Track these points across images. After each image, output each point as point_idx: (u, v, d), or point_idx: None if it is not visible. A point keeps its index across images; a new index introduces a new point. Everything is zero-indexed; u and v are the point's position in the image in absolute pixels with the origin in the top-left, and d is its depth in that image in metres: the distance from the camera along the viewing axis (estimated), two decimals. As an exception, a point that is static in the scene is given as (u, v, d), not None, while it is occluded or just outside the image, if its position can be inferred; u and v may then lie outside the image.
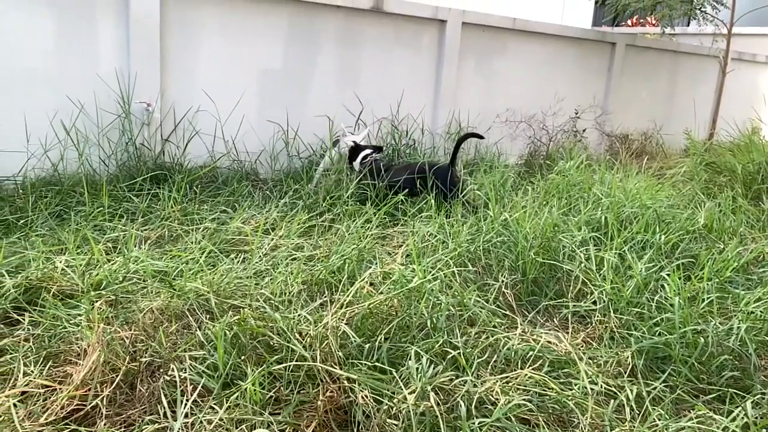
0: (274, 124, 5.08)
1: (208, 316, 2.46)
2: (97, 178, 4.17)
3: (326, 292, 2.80)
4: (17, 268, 2.75)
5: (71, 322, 2.27)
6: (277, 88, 5.10)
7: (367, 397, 2.01)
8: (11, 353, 2.15)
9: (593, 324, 2.87)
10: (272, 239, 3.35)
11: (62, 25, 4.14)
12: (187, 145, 4.62)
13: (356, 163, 4.56)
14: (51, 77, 4.15)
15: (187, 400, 1.97)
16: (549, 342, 2.56)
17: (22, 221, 3.38)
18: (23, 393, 1.92)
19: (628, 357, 2.50)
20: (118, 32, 4.33)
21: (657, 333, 2.61)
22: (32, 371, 2.00)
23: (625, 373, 2.44)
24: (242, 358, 2.16)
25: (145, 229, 3.45)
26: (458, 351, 2.29)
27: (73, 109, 4.22)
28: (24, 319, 2.34)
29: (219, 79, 4.80)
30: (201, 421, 1.89)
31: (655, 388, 2.30)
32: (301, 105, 5.23)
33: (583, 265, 3.20)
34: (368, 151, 4.57)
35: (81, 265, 2.72)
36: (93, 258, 2.79)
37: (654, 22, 12.57)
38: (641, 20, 14.00)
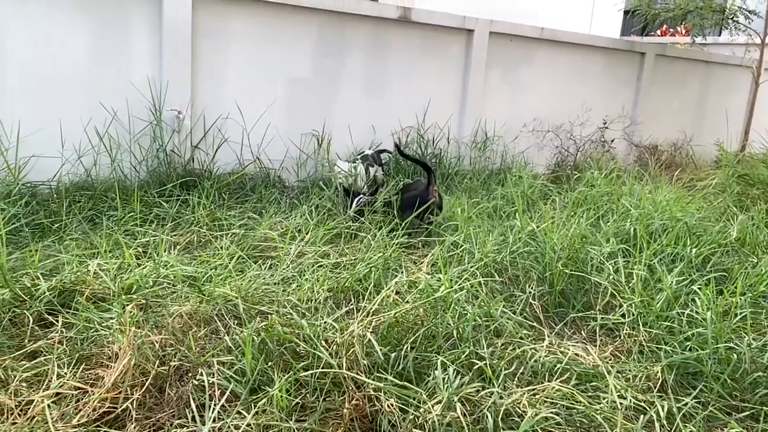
0: (301, 131, 5.13)
1: (236, 322, 2.49)
2: (128, 183, 4.25)
3: (352, 299, 2.81)
4: (51, 271, 2.81)
5: (103, 325, 2.31)
6: (305, 97, 5.15)
7: (392, 406, 2.00)
8: (45, 355, 2.19)
9: (622, 337, 2.83)
10: (298, 246, 3.37)
11: (97, 34, 4.24)
12: (216, 152, 4.69)
13: (350, 211, 4.25)
14: (86, 85, 4.25)
15: (215, 405, 1.99)
16: (576, 354, 2.53)
17: (56, 225, 3.46)
18: (57, 394, 1.96)
19: (658, 372, 2.46)
20: (152, 41, 4.42)
21: (688, 348, 2.56)
22: (65, 373, 2.04)
23: (655, 388, 2.40)
24: (269, 364, 2.17)
25: (175, 235, 3.50)
26: (485, 362, 2.28)
27: (107, 116, 4.31)
28: (58, 322, 2.38)
29: (248, 88, 4.86)
30: (229, 426, 1.91)
31: (686, 405, 2.26)
32: (329, 113, 5.27)
33: (611, 277, 3.16)
34: (360, 196, 4.34)
35: (113, 269, 2.77)
36: (124, 262, 2.84)
37: (684, 31, 12.40)
38: (671, 30, 13.82)
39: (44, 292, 2.50)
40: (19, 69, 4.04)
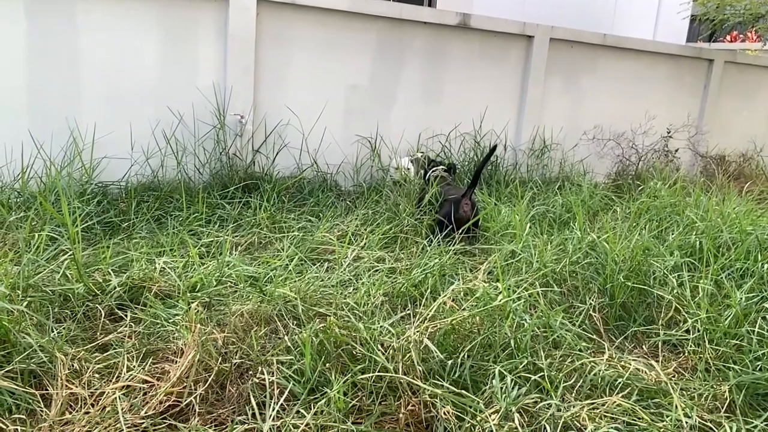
0: (358, 137, 5.19)
1: (294, 322, 2.54)
2: (192, 185, 4.39)
3: (408, 305, 2.81)
4: (121, 267, 2.93)
5: (170, 321, 2.40)
6: (363, 103, 5.21)
7: (449, 413, 2.00)
8: (115, 348, 2.29)
9: (686, 354, 2.73)
10: (354, 250, 3.41)
11: (167, 42, 4.42)
12: (276, 156, 4.80)
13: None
14: (155, 90, 4.43)
15: (276, 404, 2.03)
16: (638, 369, 2.46)
17: (125, 224, 3.61)
18: (126, 387, 2.04)
19: (725, 391, 2.36)
20: (217, 48, 4.57)
21: (759, 368, 2.45)
22: (134, 366, 2.13)
23: (722, 408, 2.31)
24: (327, 365, 2.20)
25: (236, 236, 3.60)
26: (542, 373, 2.24)
27: (173, 120, 4.48)
28: (127, 316, 2.49)
29: (307, 93, 4.96)
30: (287, 425, 1.94)
31: (756, 427, 2.16)
32: (386, 119, 5.31)
33: (675, 291, 3.06)
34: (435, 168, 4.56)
35: (179, 267, 2.87)
36: (190, 261, 2.93)
37: (755, 37, 11.87)
38: (741, 36, 13.28)
39: (115, 288, 2.62)
40: (96, 76, 4.25)
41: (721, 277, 3.18)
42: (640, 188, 5.16)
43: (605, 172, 6.26)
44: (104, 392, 1.99)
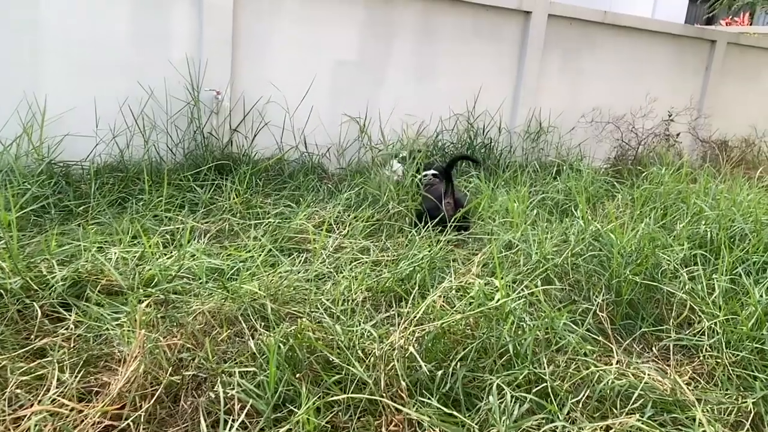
0: (344, 117, 4.85)
1: (262, 324, 2.23)
2: (163, 165, 4.04)
3: (393, 303, 2.51)
4: (72, 257, 2.60)
5: (115, 323, 2.07)
6: (350, 81, 4.86)
7: (438, 436, 1.71)
8: (52, 354, 1.97)
9: (701, 358, 2.45)
10: (336, 239, 3.10)
11: (137, 10, 4.03)
12: (255, 135, 4.45)
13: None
14: (123, 62, 4.05)
15: (234, 421, 1.73)
16: (651, 377, 2.18)
17: (82, 207, 3.27)
18: (53, 402, 1.72)
19: (749, 403, 2.09)
20: (192, 17, 4.20)
21: (786, 377, 2.18)
22: (67, 378, 1.80)
23: (747, 422, 2.04)
24: (297, 376, 1.90)
25: (206, 222, 3.27)
26: (545, 384, 1.95)
27: (143, 95, 4.11)
28: (70, 316, 2.16)
29: (291, 70, 4.60)
30: (247, 450, 1.65)
31: (788, 448, 1.89)
32: (375, 98, 4.97)
33: (687, 286, 2.78)
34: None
35: (133, 258, 2.54)
36: (146, 251, 2.60)
37: (746, 20, 11.57)
38: (735, 19, 12.98)
39: (58, 282, 2.28)
40: (58, 45, 3.85)
41: (737, 272, 2.90)
42: (642, 174, 4.87)
43: (603, 156, 5.97)
44: (27, 413, 1.67)
